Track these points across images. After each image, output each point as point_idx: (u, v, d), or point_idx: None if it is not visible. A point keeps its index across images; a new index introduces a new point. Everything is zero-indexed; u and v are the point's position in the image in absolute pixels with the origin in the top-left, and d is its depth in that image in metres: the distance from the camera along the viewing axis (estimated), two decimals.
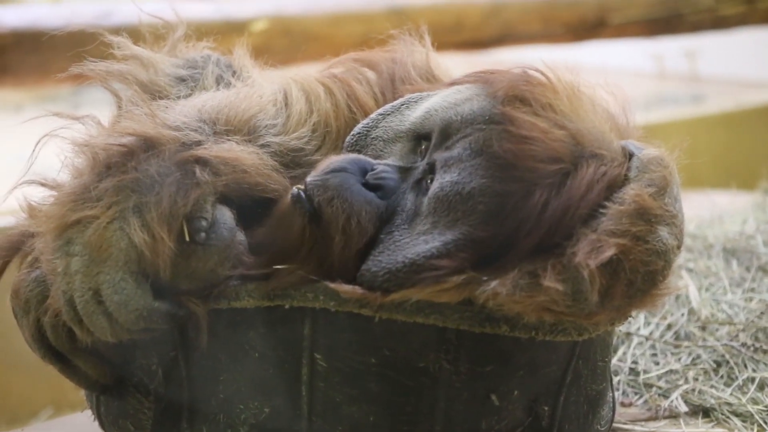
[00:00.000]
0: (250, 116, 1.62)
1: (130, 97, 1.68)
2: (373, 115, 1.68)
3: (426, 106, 1.62)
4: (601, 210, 1.46)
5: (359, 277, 1.49)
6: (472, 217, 1.47)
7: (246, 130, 1.61)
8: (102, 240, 1.44)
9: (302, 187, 1.52)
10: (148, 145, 1.50)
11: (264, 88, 1.69)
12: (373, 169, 1.56)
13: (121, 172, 1.47)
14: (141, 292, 1.45)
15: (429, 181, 1.53)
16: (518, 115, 1.49)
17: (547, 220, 1.45)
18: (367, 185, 1.53)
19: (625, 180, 1.50)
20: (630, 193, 1.47)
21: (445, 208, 1.48)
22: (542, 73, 1.57)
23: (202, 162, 1.50)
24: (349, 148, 1.66)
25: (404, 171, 1.58)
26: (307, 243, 1.51)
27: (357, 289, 1.48)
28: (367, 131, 1.67)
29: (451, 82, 1.70)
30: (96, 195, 1.46)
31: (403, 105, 1.67)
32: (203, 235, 1.47)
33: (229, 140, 1.56)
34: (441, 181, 1.50)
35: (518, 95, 1.52)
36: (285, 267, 1.50)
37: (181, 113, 1.58)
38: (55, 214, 1.48)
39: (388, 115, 1.67)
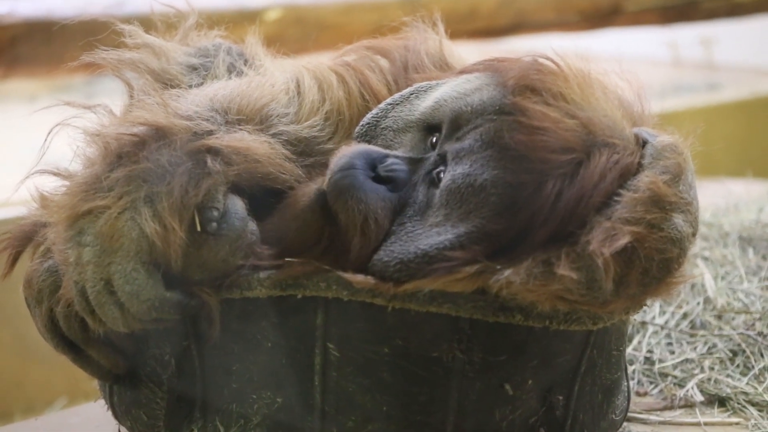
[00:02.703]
0: (263, 105, 1.61)
1: (142, 86, 1.68)
2: (382, 105, 1.67)
3: (435, 96, 1.61)
4: (615, 198, 1.45)
5: (371, 266, 1.49)
6: (485, 209, 1.46)
7: (258, 119, 1.60)
8: (113, 230, 1.44)
9: (320, 188, 1.52)
10: (160, 135, 1.50)
11: (276, 77, 1.69)
12: (383, 161, 1.55)
13: (132, 162, 1.47)
14: (152, 282, 1.45)
15: (440, 173, 1.52)
16: (529, 105, 1.48)
17: (560, 210, 1.44)
18: (378, 178, 1.52)
19: (639, 167, 1.49)
20: (644, 180, 1.46)
21: (457, 200, 1.48)
22: (553, 61, 1.56)
23: (213, 152, 1.50)
24: (358, 139, 1.65)
25: (414, 162, 1.56)
26: (325, 241, 1.52)
27: (370, 279, 1.47)
28: (377, 121, 1.66)
29: (461, 71, 1.68)
30: (107, 185, 1.46)
31: (412, 95, 1.66)
32: (214, 225, 1.47)
33: (241, 130, 1.55)
34: (453, 173, 1.50)
35: (529, 85, 1.51)
36: (299, 261, 1.49)
37: (193, 102, 1.57)
38: (66, 204, 1.48)
39: (398, 104, 1.66)
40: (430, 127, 1.60)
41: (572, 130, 1.47)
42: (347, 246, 1.50)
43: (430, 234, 1.48)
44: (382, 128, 1.65)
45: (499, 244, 1.45)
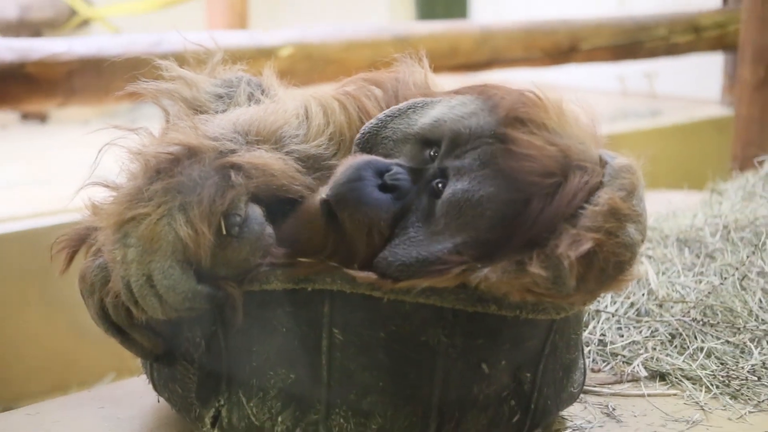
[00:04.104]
0: (277, 128, 1.61)
1: (177, 112, 1.69)
2: (381, 116, 1.66)
3: (434, 114, 1.60)
4: (581, 210, 1.46)
5: (376, 262, 1.49)
6: (480, 220, 1.46)
7: (273, 140, 1.60)
8: (153, 234, 1.44)
9: (326, 197, 1.50)
10: (191, 153, 1.50)
11: (288, 104, 1.69)
12: (388, 170, 1.53)
13: (168, 176, 1.47)
14: (186, 277, 1.45)
15: (440, 185, 1.52)
16: (518, 136, 1.49)
17: (540, 222, 1.45)
18: (384, 186, 1.51)
19: (600, 185, 1.50)
20: (604, 196, 1.47)
21: (456, 211, 1.48)
22: (534, 94, 1.57)
23: (236, 167, 1.50)
24: (359, 146, 1.64)
25: (415, 172, 1.55)
26: (332, 245, 1.51)
27: (371, 276, 1.48)
28: (377, 131, 1.64)
29: (455, 92, 1.67)
30: (148, 196, 1.47)
31: (409, 109, 1.65)
32: (237, 229, 1.47)
33: (259, 148, 1.56)
34: (453, 188, 1.49)
35: (517, 116, 1.52)
36: (310, 261, 1.49)
37: (219, 126, 1.58)
38: (114, 212, 1.48)
39: (396, 117, 1.64)
40: (428, 142, 1.58)
41: (553, 157, 1.48)
42: (353, 249, 1.50)
43: (431, 242, 1.48)
44: (382, 137, 1.63)
45: (487, 250, 1.46)
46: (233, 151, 1.53)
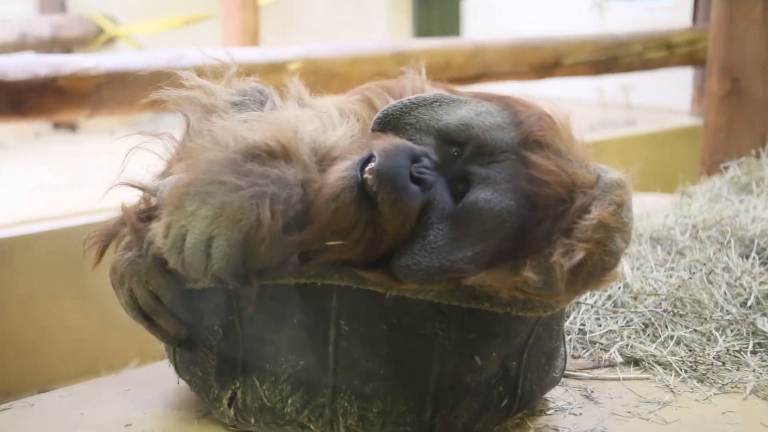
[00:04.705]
0: (331, 145, 1.55)
1: (196, 118, 1.68)
2: (405, 101, 1.58)
3: (461, 115, 1.55)
4: (575, 223, 1.47)
5: (397, 268, 1.45)
6: (499, 231, 1.45)
7: (328, 158, 1.53)
8: (239, 206, 1.40)
9: (368, 176, 1.42)
10: (286, 155, 1.46)
11: (313, 108, 1.67)
12: (418, 161, 1.47)
13: (264, 164, 1.43)
14: (240, 255, 1.42)
15: (462, 187, 1.49)
16: (539, 161, 1.48)
17: (546, 238, 1.46)
18: (411, 177, 1.45)
19: (594, 198, 1.50)
20: (595, 211, 1.47)
21: (477, 217, 1.46)
22: (550, 117, 1.56)
23: (308, 184, 1.46)
24: (380, 125, 1.58)
25: (437, 167, 1.50)
26: (362, 226, 1.43)
27: (382, 276, 1.46)
28: (400, 115, 1.56)
29: (481, 97, 1.62)
30: (243, 171, 1.42)
31: (435, 102, 1.58)
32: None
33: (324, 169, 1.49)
34: (477, 195, 1.47)
35: (537, 140, 1.51)
36: (337, 243, 1.44)
37: (305, 141, 1.52)
38: (201, 169, 1.44)
39: (420, 106, 1.57)
40: (452, 141, 1.53)
41: (565, 183, 1.48)
42: (383, 233, 1.44)
43: (451, 249, 1.45)
44: (405, 123, 1.56)
45: (498, 258, 1.45)
46: (308, 168, 1.48)
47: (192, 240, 1.42)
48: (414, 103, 1.58)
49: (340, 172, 1.44)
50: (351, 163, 1.46)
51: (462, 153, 1.52)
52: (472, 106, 1.57)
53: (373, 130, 1.58)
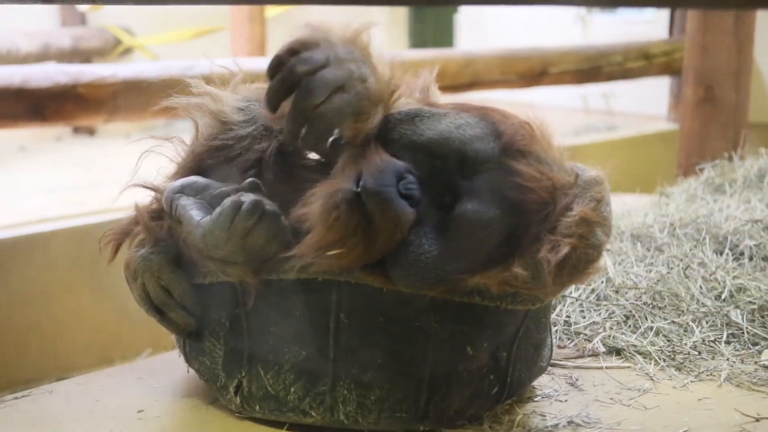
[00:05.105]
0: None
1: (205, 122, 1.67)
2: (389, 117, 1.53)
3: (441, 130, 1.49)
4: (559, 221, 1.45)
5: (396, 277, 1.45)
6: (489, 239, 1.43)
7: None
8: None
9: (359, 190, 1.40)
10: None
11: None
12: (403, 179, 1.44)
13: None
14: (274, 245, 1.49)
15: (449, 199, 1.46)
16: (521, 168, 1.46)
17: (534, 240, 1.44)
18: (399, 193, 1.43)
19: (575, 197, 1.48)
20: (577, 208, 1.46)
21: (467, 229, 1.43)
22: (529, 125, 1.53)
23: None
24: (368, 141, 1.52)
25: (422, 183, 1.46)
26: (356, 236, 1.42)
27: (377, 278, 1.47)
28: (386, 132, 1.51)
29: (459, 108, 1.57)
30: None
31: (417, 117, 1.53)
32: (256, 218, 1.47)
33: None
34: (465, 207, 1.44)
35: (518, 149, 1.48)
36: (336, 252, 1.43)
37: None
38: None
39: (403, 122, 1.52)
40: (435, 155, 1.48)
41: (547, 188, 1.46)
42: (374, 242, 1.43)
43: (446, 258, 1.43)
44: (391, 139, 1.51)
45: (490, 263, 1.44)
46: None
47: (248, 209, 1.47)
48: (397, 119, 1.53)
49: (334, 188, 1.43)
50: (344, 180, 1.44)
51: (446, 166, 1.48)
52: (451, 119, 1.52)
53: (363, 146, 1.54)
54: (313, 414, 1.53)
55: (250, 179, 1.54)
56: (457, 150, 1.48)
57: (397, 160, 1.48)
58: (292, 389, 1.54)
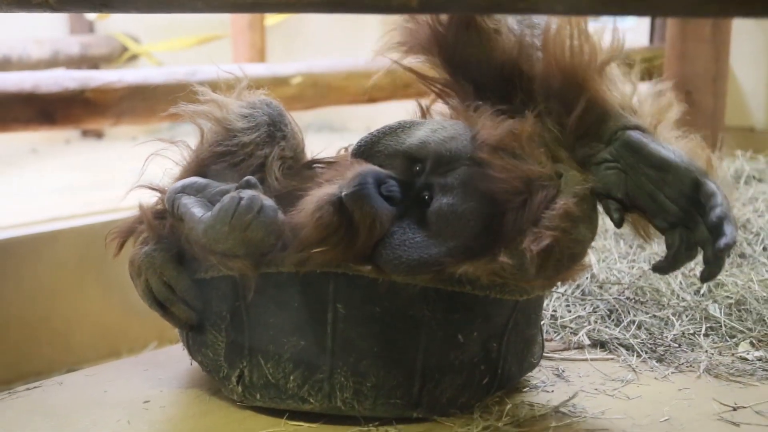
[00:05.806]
0: None
1: (210, 129, 1.68)
2: (374, 132, 1.61)
3: (420, 136, 1.55)
4: (542, 214, 1.44)
5: (383, 263, 1.47)
6: (465, 230, 1.44)
7: None
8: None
9: (340, 194, 1.46)
10: None
11: None
12: (385, 182, 1.49)
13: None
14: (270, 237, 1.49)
15: (426, 196, 1.49)
16: (493, 161, 1.46)
17: (514, 230, 1.43)
18: (381, 195, 1.48)
19: (558, 193, 1.46)
20: (560, 203, 1.44)
21: (444, 221, 1.46)
22: (504, 124, 1.51)
23: None
24: (356, 155, 1.61)
25: (404, 185, 1.52)
26: (340, 233, 1.46)
27: (370, 270, 1.48)
28: (371, 145, 1.60)
29: (438, 114, 1.63)
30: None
31: (399, 128, 1.60)
32: (256, 212, 1.46)
33: None
34: (440, 202, 1.47)
35: (491, 144, 1.48)
36: (320, 250, 1.46)
37: None
38: None
39: (387, 134, 1.60)
40: (415, 159, 1.54)
41: (521, 178, 1.45)
42: (355, 238, 1.47)
43: (428, 245, 1.45)
44: (376, 151, 1.59)
45: (474, 251, 1.44)
46: None
47: (247, 204, 1.47)
48: (382, 133, 1.60)
49: (321, 194, 1.48)
50: (330, 187, 1.49)
51: (424, 168, 1.52)
52: (429, 126, 1.57)
53: (352, 158, 1.60)
54: (312, 401, 1.53)
55: (247, 176, 1.55)
56: (434, 151, 1.51)
57: (378, 168, 1.53)
58: (292, 377, 1.54)
